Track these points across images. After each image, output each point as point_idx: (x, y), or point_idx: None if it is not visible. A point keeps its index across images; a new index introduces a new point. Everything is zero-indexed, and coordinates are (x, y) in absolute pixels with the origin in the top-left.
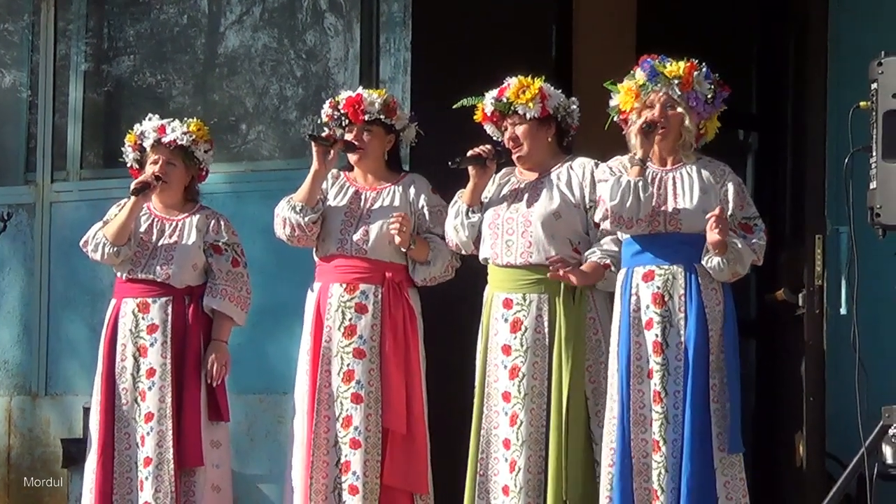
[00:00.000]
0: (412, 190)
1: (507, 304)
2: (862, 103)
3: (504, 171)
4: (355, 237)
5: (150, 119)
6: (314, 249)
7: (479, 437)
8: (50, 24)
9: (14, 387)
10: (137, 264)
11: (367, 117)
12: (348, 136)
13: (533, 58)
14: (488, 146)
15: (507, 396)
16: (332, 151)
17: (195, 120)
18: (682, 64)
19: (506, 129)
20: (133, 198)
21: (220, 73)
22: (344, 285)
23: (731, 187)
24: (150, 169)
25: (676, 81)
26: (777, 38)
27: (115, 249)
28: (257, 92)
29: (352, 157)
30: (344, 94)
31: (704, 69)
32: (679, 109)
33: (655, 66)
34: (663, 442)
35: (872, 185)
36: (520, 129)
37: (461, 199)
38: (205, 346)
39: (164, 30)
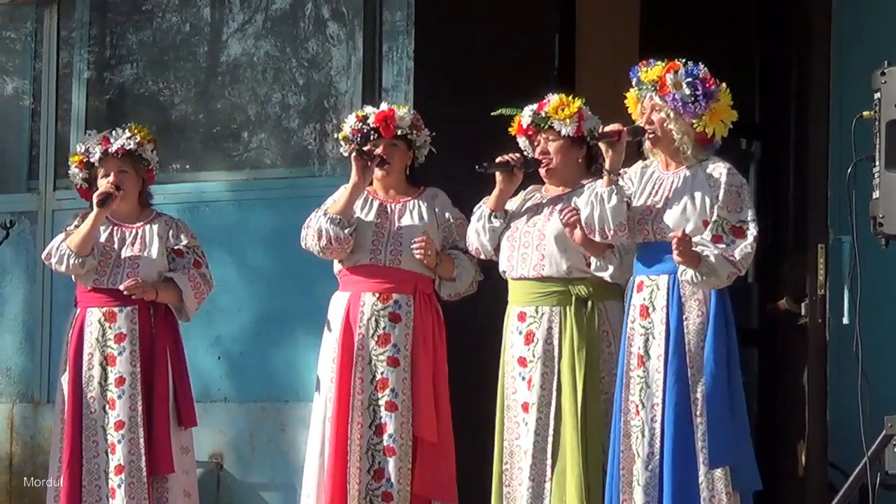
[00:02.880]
0: (437, 204)
1: (521, 316)
2: (865, 113)
3: (531, 187)
4: (389, 249)
5: (88, 135)
6: (335, 260)
7: (502, 448)
8: (52, 31)
9: (16, 394)
10: (102, 274)
11: (398, 132)
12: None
13: (536, 66)
14: (517, 154)
15: (526, 407)
16: (370, 165)
17: (134, 124)
18: (659, 67)
19: (538, 144)
20: (97, 209)
21: (222, 80)
22: (377, 294)
23: (722, 190)
24: (104, 181)
25: (652, 86)
26: (780, 46)
27: (79, 260)
28: (259, 100)
29: (378, 173)
30: (369, 109)
31: (683, 69)
32: (662, 114)
33: (639, 73)
34: (637, 455)
35: (875, 194)
36: (553, 145)
37: (486, 203)
38: (171, 352)
39: (167, 38)
